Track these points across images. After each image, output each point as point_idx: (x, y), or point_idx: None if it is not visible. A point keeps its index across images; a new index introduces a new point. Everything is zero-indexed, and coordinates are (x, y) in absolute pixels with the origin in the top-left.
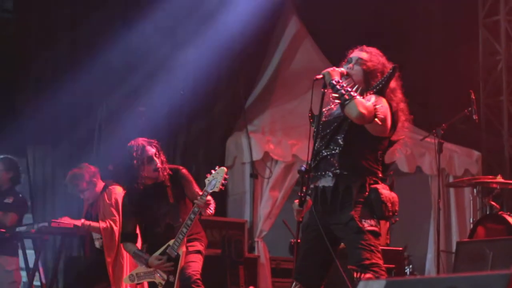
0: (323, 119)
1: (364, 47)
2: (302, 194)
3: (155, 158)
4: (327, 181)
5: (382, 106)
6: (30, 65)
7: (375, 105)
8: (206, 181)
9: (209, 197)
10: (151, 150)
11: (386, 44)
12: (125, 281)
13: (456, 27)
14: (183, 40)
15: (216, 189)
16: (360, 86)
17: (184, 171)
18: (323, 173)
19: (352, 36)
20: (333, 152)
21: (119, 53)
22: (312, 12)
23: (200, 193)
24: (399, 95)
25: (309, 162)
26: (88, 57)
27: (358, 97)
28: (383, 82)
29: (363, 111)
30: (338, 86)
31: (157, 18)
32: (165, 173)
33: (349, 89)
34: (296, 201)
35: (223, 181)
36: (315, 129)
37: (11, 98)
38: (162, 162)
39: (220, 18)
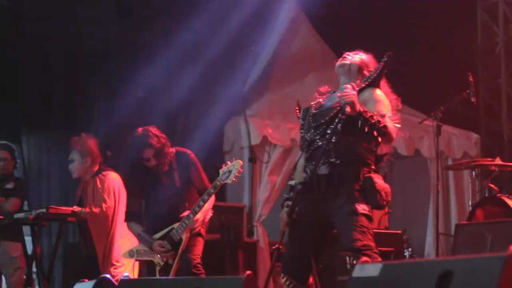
0: (313, 111)
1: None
2: (290, 209)
3: (152, 159)
4: (321, 170)
5: (386, 107)
6: (24, 48)
7: (384, 116)
8: (220, 171)
9: (197, 216)
10: (149, 152)
11: (383, 27)
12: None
13: (455, 10)
14: (176, 23)
15: (229, 181)
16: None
17: (193, 156)
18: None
19: (349, 21)
20: (329, 141)
21: (115, 35)
22: None
23: (207, 182)
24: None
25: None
26: (83, 39)
27: (386, 125)
28: (377, 72)
29: (395, 135)
30: (370, 120)
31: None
32: (166, 167)
33: (375, 117)
34: (284, 210)
35: (237, 174)
36: (302, 122)
37: (4, 83)
38: (163, 155)
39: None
